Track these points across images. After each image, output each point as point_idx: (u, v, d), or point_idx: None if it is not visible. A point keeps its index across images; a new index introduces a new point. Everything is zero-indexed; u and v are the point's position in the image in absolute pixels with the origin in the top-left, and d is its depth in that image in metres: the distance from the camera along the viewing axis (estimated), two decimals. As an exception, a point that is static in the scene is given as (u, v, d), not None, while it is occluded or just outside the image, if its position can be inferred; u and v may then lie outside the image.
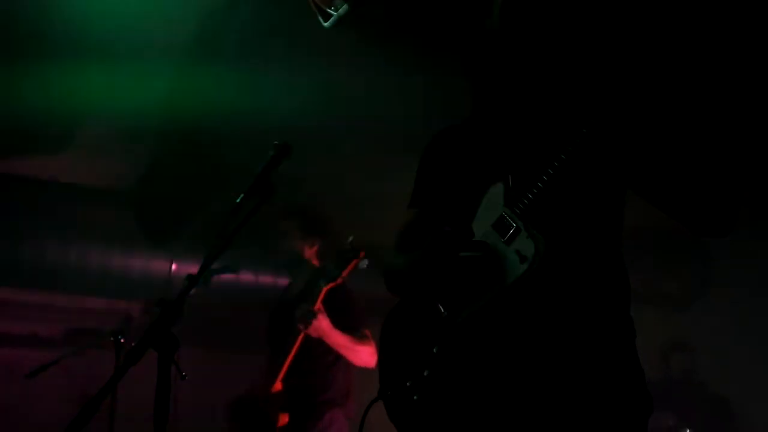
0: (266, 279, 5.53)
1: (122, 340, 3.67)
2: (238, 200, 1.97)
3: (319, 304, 3.60)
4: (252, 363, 4.28)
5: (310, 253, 4.01)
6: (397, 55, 3.92)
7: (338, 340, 3.67)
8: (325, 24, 3.06)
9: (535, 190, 1.76)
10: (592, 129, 1.69)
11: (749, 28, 3.35)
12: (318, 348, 3.74)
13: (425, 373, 1.85)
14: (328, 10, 3.00)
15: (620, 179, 1.87)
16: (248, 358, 4.66)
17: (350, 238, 3.69)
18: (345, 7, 2.96)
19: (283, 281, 4.92)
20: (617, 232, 1.93)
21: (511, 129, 1.96)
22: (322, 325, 3.59)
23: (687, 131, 1.72)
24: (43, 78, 4.24)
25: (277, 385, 3.68)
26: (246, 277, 5.47)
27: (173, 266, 5.25)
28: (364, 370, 3.81)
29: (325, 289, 3.62)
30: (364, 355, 3.75)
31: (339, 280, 3.63)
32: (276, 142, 2.06)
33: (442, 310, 1.86)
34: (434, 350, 1.85)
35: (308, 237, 3.99)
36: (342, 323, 3.70)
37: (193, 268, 1.98)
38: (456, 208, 1.97)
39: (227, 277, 4.47)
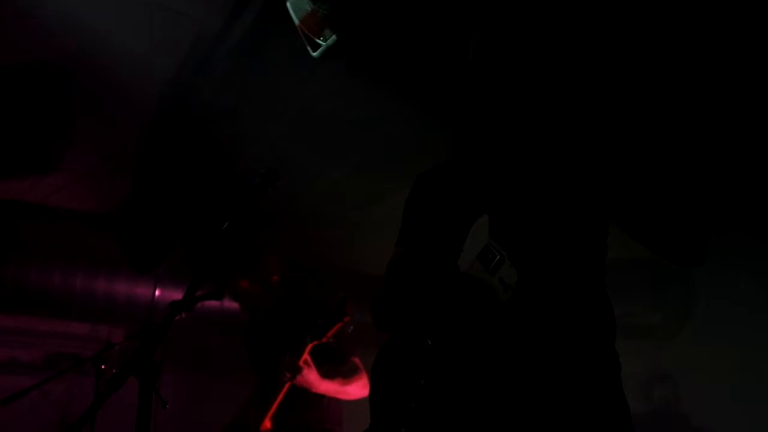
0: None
1: (103, 367, 3.63)
2: (223, 227, 1.97)
3: (306, 356, 3.63)
4: (235, 392, 4.24)
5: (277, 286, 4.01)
6: (384, 84, 3.96)
7: (327, 388, 3.70)
8: (314, 54, 3.08)
9: (519, 220, 1.78)
10: (574, 158, 1.72)
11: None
12: None
13: (412, 405, 1.84)
14: (317, 40, 3.03)
15: (602, 210, 1.90)
16: (231, 387, 4.62)
17: (339, 301, 3.71)
18: (334, 38, 2.99)
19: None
20: (601, 264, 1.95)
21: (492, 162, 1.99)
22: (309, 378, 3.62)
23: (660, 170, 1.76)
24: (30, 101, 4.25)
25: (266, 424, 3.66)
26: (230, 304, 5.44)
27: (157, 292, 5.22)
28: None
29: (309, 346, 3.65)
30: (356, 391, 3.76)
31: (324, 339, 3.66)
32: (262, 170, 2.06)
33: (429, 343, 1.87)
34: (421, 382, 1.85)
35: (268, 282, 3.99)
36: (329, 357, 3.71)
37: (177, 294, 1.98)
38: (443, 243, 1.98)
39: (211, 303, 4.44)
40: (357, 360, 3.83)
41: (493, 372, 1.78)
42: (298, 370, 3.59)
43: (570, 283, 1.85)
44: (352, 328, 3.69)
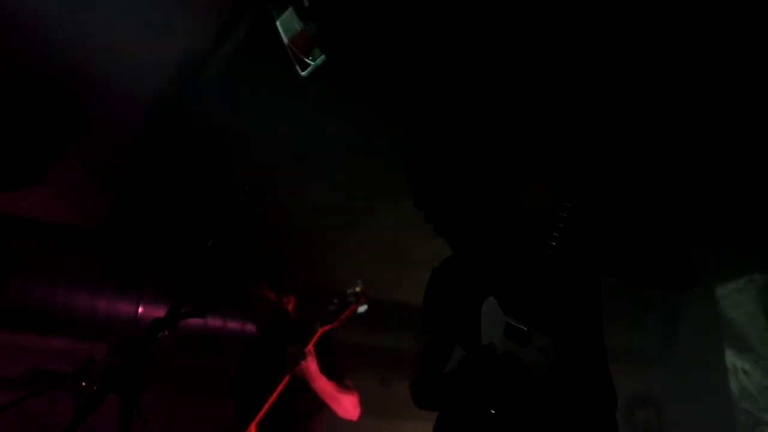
0: (234, 324, 5.46)
1: (83, 383, 3.59)
2: (208, 244, 1.96)
3: (311, 346, 3.55)
4: (217, 410, 4.20)
5: (287, 307, 3.97)
6: (371, 106, 3.98)
7: (324, 386, 3.60)
8: (303, 73, 3.10)
9: (527, 296, 1.95)
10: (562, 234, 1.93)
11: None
12: (297, 399, 3.68)
13: None
14: (306, 60, 3.05)
15: (598, 274, 2.09)
16: (213, 405, 4.58)
17: (357, 287, 3.70)
18: (322, 57, 3.01)
19: (251, 327, 4.88)
20: (600, 329, 2.12)
21: (480, 254, 2.18)
22: (311, 367, 3.53)
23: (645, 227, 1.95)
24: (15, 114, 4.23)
25: (251, 430, 3.60)
26: (213, 322, 5.40)
27: (139, 309, 5.18)
28: (340, 425, 3.77)
29: (320, 331, 3.59)
30: (348, 405, 3.69)
31: (336, 323, 3.61)
32: (248, 187, 2.07)
33: (493, 412, 1.97)
34: None
35: (282, 296, 3.95)
36: (327, 370, 3.65)
37: (160, 312, 1.97)
38: (462, 329, 2.17)
39: (194, 321, 4.41)
40: (351, 383, 3.79)
41: None
42: (303, 356, 3.50)
43: (582, 349, 2.03)
44: (366, 308, 3.65)
